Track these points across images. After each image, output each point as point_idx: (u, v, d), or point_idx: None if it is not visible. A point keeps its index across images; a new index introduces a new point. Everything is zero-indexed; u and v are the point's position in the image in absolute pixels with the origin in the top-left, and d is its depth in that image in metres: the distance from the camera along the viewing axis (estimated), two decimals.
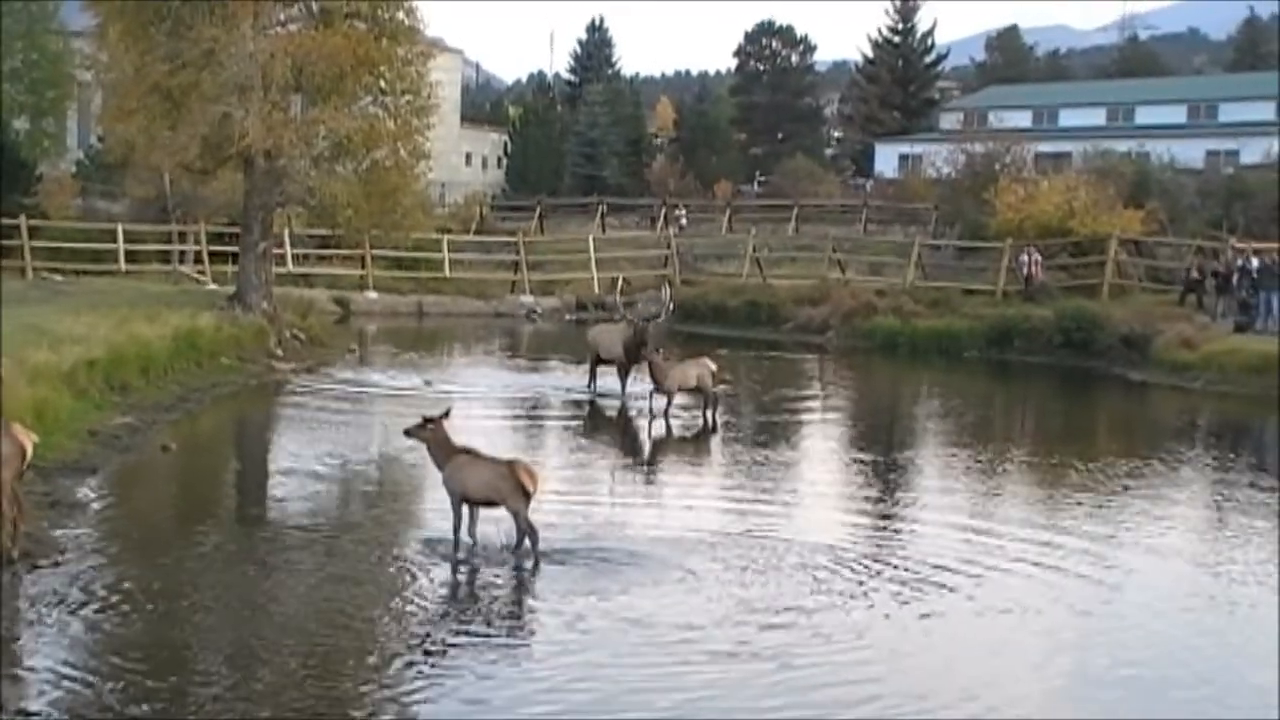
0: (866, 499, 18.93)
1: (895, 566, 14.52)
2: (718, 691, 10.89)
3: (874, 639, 12.24)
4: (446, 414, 14.99)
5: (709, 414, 24.13)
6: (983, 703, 10.86)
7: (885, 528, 16.86)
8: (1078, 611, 13.30)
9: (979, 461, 21.76)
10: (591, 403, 26.82)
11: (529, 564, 14.04)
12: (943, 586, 13.84)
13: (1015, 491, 19.83)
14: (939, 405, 30.41)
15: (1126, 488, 19.69)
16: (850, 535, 16.12)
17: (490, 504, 14.39)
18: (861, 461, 22.03)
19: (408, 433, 15.02)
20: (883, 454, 22.89)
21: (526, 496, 14.18)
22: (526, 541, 14.17)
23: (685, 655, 11.59)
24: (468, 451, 14.73)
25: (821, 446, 24.06)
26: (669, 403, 24.16)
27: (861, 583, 13.86)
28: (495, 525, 14.51)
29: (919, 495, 19.31)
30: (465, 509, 14.42)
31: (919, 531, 16.47)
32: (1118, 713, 10.85)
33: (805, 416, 27.15)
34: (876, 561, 14.73)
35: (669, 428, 23.83)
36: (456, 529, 14.45)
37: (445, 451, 14.56)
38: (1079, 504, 18.29)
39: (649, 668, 11.32)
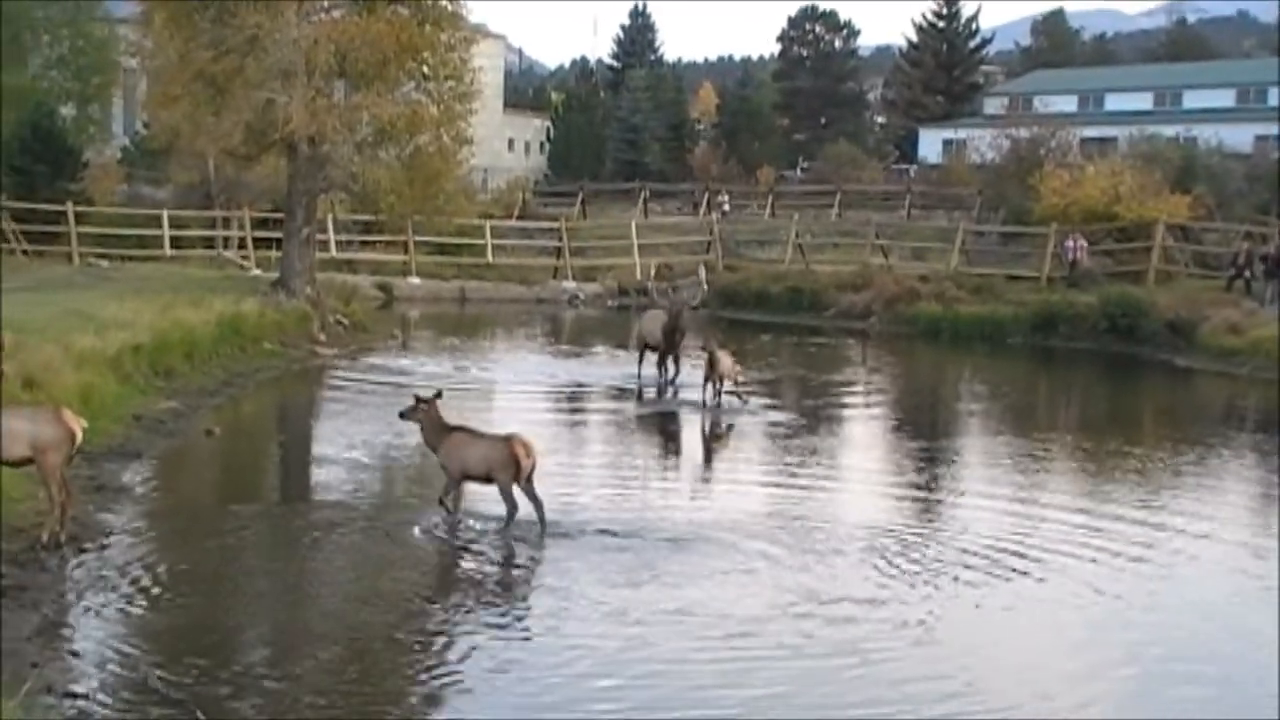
0: (921, 484, 18.79)
1: (962, 552, 14.42)
2: (789, 688, 10.61)
3: (949, 632, 12.04)
4: (439, 395, 15.19)
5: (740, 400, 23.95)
6: (1063, 701, 10.61)
7: (943, 513, 16.79)
8: (1144, 602, 13.14)
9: (1033, 448, 21.70)
10: (639, 390, 26.53)
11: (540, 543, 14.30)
12: (1011, 574, 13.75)
13: (1071, 478, 19.73)
14: (985, 391, 30.24)
15: (1179, 474, 19.70)
16: (910, 521, 16.08)
17: (489, 480, 14.62)
18: (912, 447, 22.00)
19: (402, 415, 15.29)
20: (932, 439, 22.88)
21: (519, 469, 14.39)
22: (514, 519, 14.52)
23: (752, 649, 11.39)
24: (463, 429, 14.95)
25: (869, 432, 24.07)
26: (720, 391, 23.57)
27: (928, 570, 13.77)
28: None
29: (972, 480, 19.26)
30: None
31: (978, 516, 16.37)
32: (1191, 711, 10.58)
33: (851, 402, 27.09)
34: (940, 548, 14.65)
35: (717, 416, 23.39)
36: (456, 508, 14.72)
37: (439, 432, 14.79)
38: (1136, 490, 18.26)
39: (714, 663, 11.09)
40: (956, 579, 13.49)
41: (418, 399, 15.04)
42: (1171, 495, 17.97)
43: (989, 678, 11.12)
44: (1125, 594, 13.32)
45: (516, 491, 14.49)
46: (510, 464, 14.41)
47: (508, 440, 14.67)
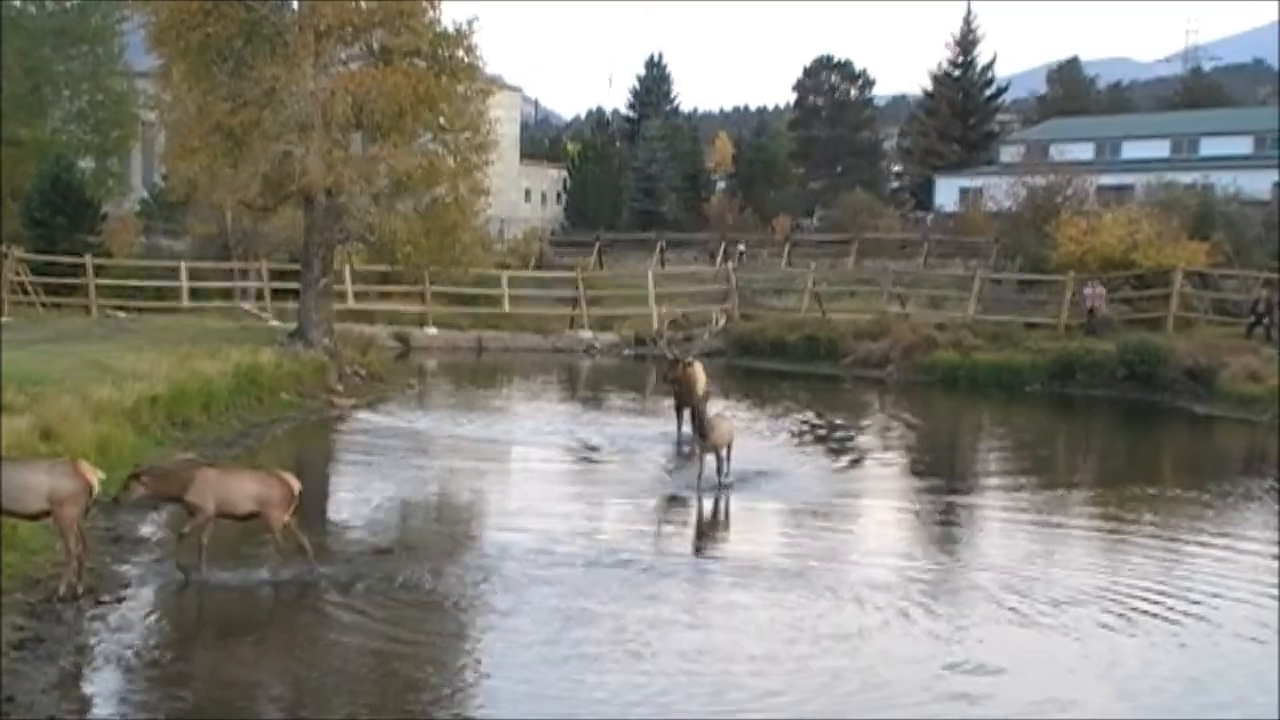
0: (969, 537, 18.83)
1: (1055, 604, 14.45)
2: None
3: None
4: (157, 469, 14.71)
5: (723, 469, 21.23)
6: None
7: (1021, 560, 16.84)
8: None
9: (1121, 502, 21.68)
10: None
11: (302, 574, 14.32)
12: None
13: (1110, 530, 19.66)
14: (1015, 439, 29.82)
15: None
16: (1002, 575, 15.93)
17: (253, 516, 14.45)
18: (949, 499, 21.71)
19: (133, 477, 14.29)
20: (967, 490, 22.85)
21: (292, 504, 14.37)
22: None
23: None
24: (212, 466, 14.93)
25: (894, 480, 23.91)
26: (713, 460, 21.01)
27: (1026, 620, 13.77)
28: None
29: (1015, 532, 19.26)
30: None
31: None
32: None
33: (878, 452, 26.86)
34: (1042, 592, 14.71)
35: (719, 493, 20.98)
36: (203, 547, 14.27)
37: (176, 480, 14.34)
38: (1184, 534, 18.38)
39: None
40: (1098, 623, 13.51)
41: (135, 473, 14.40)
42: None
43: None
44: None
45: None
46: (288, 499, 14.37)
47: (278, 476, 14.67)
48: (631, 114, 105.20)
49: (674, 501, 20.67)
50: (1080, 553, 17.43)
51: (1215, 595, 15.02)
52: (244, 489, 14.39)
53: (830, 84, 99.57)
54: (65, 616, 12.67)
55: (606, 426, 28.48)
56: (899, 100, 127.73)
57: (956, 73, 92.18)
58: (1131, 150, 78.87)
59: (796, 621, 13.64)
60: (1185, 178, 57.61)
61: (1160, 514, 20.04)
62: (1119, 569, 16.18)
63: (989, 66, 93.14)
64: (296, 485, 14.54)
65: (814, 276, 49.63)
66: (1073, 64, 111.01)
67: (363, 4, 32.11)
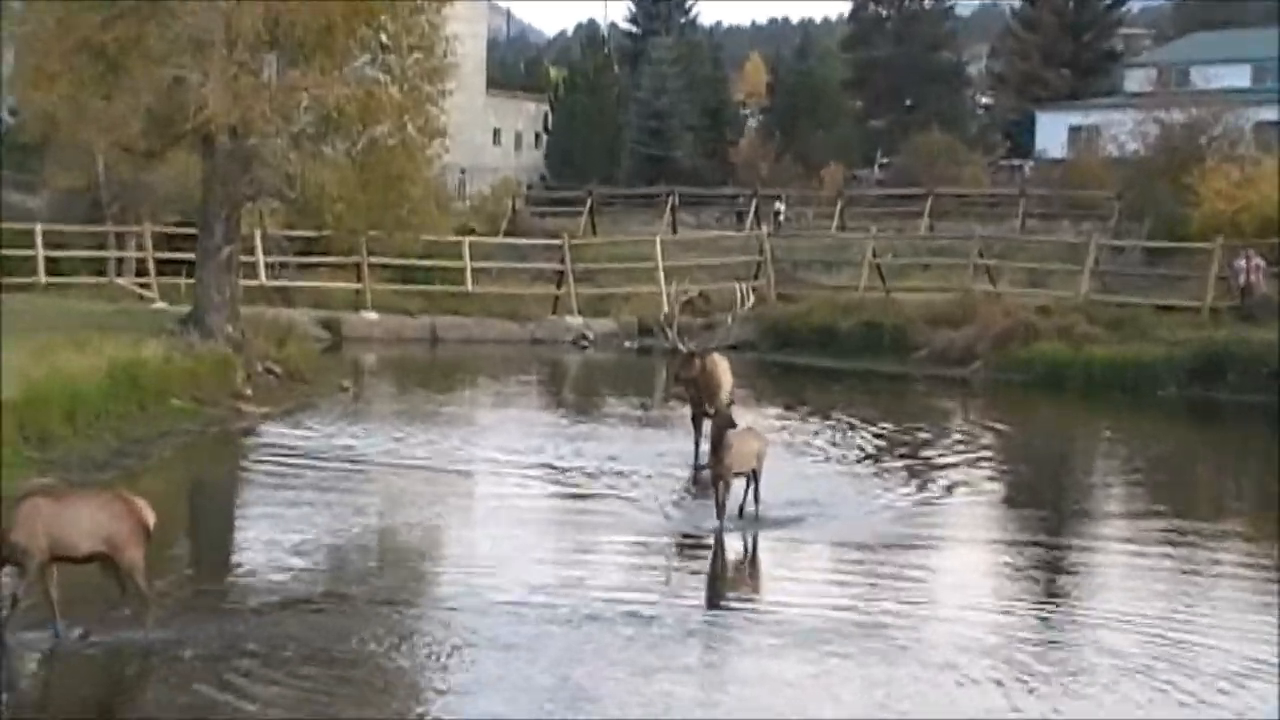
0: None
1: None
2: None
3: None
4: None
5: (750, 496, 21.27)
6: None
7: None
8: None
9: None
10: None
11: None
12: None
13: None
14: (1145, 460, 29.67)
15: None
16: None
17: (96, 557, 14.12)
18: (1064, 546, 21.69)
19: None
20: (1082, 527, 22.82)
21: (148, 538, 14.13)
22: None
23: None
24: (40, 493, 14.59)
25: (985, 513, 23.91)
26: (725, 492, 20.67)
27: None
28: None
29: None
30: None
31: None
32: None
33: (962, 476, 26.71)
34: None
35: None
36: (54, 601, 14.10)
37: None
38: None
39: None
40: None
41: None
42: None
43: None
44: None
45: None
46: (140, 531, 14.07)
47: (127, 502, 14.34)
48: (634, 29, 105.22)
49: (690, 542, 20.64)
50: (1240, 611, 17.28)
51: None
52: (83, 522, 13.96)
53: None
54: None
55: (602, 443, 28.48)
56: (989, 9, 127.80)
57: None
58: None
59: (866, 697, 13.59)
60: None
61: None
62: None
63: None
64: (151, 516, 14.24)
65: (875, 245, 49.65)
66: None
67: None
